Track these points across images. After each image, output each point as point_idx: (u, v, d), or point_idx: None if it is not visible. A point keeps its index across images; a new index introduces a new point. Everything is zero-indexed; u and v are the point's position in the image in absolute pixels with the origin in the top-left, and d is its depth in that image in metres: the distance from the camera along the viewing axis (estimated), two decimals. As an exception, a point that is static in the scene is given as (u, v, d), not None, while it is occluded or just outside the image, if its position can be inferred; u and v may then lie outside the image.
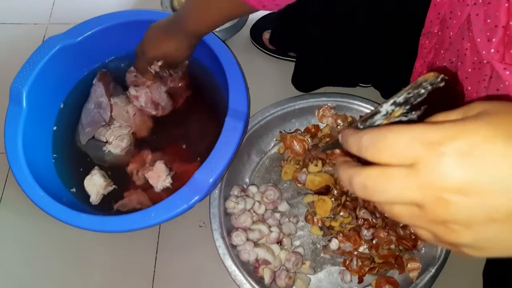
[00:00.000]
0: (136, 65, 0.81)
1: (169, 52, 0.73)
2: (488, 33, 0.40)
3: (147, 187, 0.77)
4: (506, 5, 0.38)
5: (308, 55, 0.85)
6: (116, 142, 0.78)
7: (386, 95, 0.89)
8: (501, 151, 0.20)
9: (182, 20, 0.68)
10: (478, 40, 0.41)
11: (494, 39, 0.39)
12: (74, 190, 0.78)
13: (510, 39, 0.38)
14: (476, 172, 0.20)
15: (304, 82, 0.91)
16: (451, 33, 0.49)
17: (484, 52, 0.41)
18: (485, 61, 0.42)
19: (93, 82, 0.81)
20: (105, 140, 0.79)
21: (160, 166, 0.76)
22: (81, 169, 0.79)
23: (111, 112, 0.79)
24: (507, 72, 0.38)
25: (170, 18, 0.72)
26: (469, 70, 0.46)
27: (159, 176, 0.75)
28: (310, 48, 0.82)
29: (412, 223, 0.23)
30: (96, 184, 0.75)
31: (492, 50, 0.40)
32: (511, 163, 0.20)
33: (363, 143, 0.23)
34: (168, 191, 0.76)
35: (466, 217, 0.21)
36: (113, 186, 0.77)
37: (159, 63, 0.76)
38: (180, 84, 0.84)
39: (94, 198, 0.75)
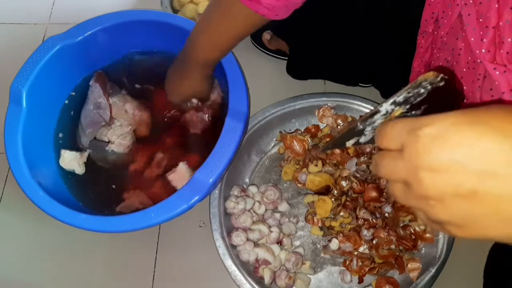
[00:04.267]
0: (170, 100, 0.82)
1: (188, 95, 0.77)
2: (481, 32, 0.41)
3: (149, 185, 0.77)
4: (496, 6, 0.38)
5: (300, 45, 0.85)
6: (118, 141, 0.78)
7: (386, 95, 0.89)
8: (464, 134, 0.23)
9: (191, 52, 0.68)
10: (472, 39, 0.42)
11: (485, 39, 0.40)
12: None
13: (501, 39, 0.38)
14: (441, 152, 0.24)
15: (298, 70, 0.91)
16: (442, 33, 0.50)
17: (477, 51, 0.41)
18: (478, 61, 0.42)
19: (90, 83, 0.81)
20: (107, 140, 0.79)
21: (183, 168, 0.75)
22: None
23: (110, 112, 0.79)
24: (497, 72, 0.39)
25: (179, 57, 0.72)
26: (464, 69, 0.46)
27: (182, 177, 0.75)
28: (301, 39, 0.82)
29: (405, 201, 0.27)
30: (72, 159, 0.77)
31: (484, 50, 0.40)
32: (470, 144, 0.23)
33: (376, 133, 0.29)
34: (169, 191, 0.76)
35: (437, 192, 0.24)
36: (88, 151, 0.79)
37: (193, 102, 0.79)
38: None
39: (79, 170, 0.77)
